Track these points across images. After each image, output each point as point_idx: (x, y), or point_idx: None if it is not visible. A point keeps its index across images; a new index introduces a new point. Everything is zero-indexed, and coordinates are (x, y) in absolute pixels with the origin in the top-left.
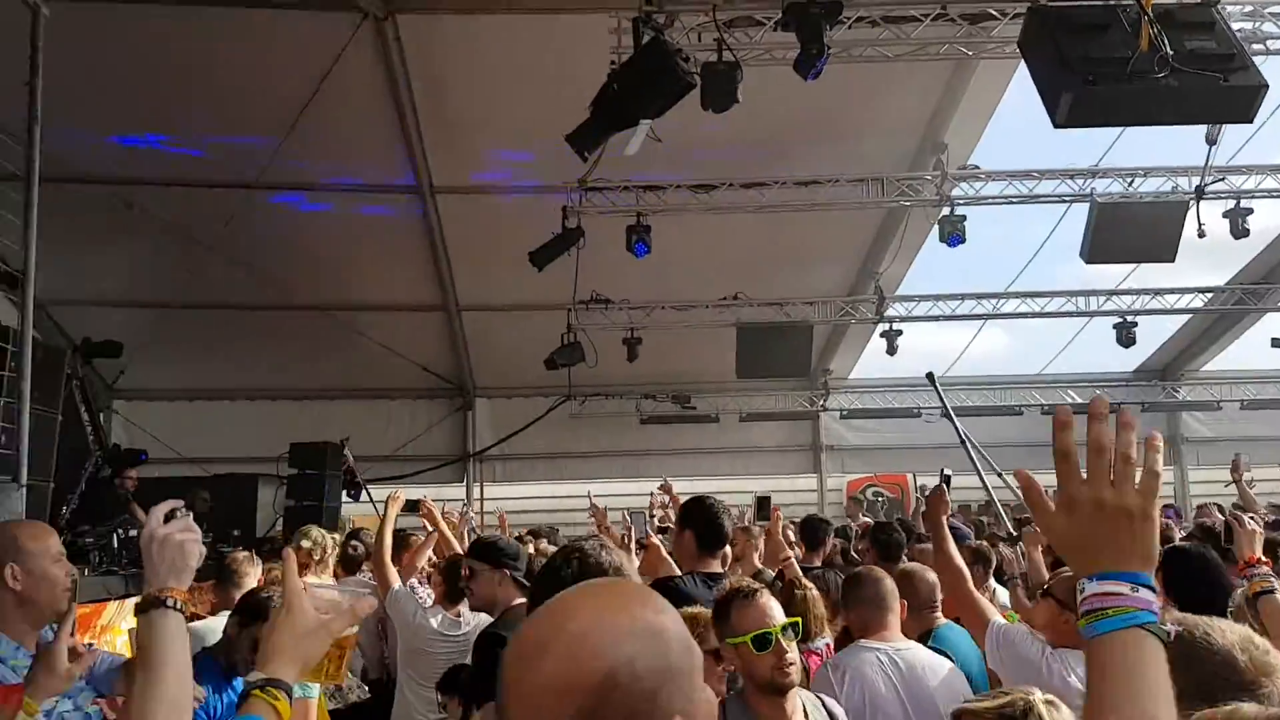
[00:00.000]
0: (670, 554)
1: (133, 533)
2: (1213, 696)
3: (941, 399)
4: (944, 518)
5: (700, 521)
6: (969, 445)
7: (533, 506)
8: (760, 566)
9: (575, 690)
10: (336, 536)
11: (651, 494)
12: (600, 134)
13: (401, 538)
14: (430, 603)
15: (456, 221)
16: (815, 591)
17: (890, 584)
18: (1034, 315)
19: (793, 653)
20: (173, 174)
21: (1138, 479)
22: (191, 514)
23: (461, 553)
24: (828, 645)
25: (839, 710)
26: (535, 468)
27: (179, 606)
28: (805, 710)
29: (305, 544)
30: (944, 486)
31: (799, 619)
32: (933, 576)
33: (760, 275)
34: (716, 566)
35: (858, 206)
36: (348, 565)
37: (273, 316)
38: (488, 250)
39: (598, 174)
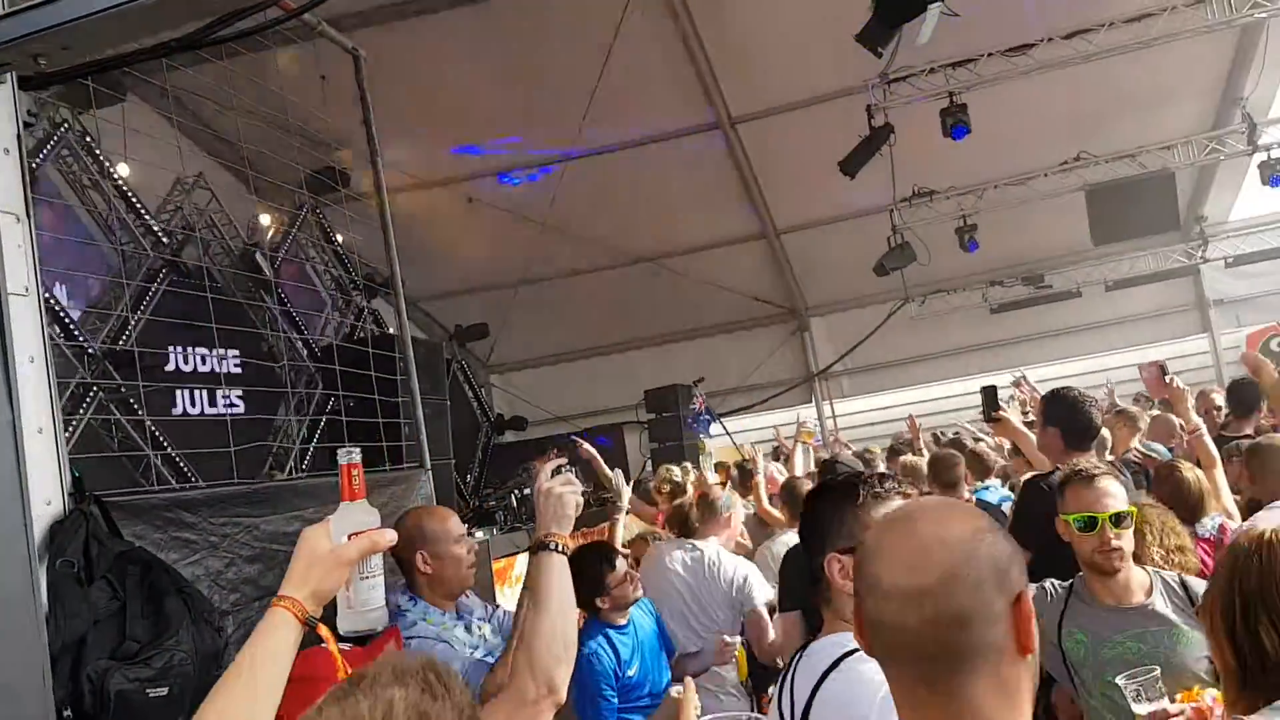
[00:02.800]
0: None
1: (527, 491)
2: None
3: None
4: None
5: (1064, 416)
6: None
7: (887, 417)
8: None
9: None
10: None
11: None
12: (889, 27)
13: (746, 471)
14: None
15: (761, 147)
16: (1196, 474)
17: None
18: None
19: (1120, 541)
20: (497, 165)
21: None
22: (574, 470)
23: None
24: (1222, 525)
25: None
26: (883, 377)
27: (561, 549)
28: (1158, 589)
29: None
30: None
31: (1134, 510)
32: None
33: (1102, 130)
34: (1090, 460)
35: (1204, 31)
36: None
37: (610, 275)
38: (797, 169)
39: (897, 64)
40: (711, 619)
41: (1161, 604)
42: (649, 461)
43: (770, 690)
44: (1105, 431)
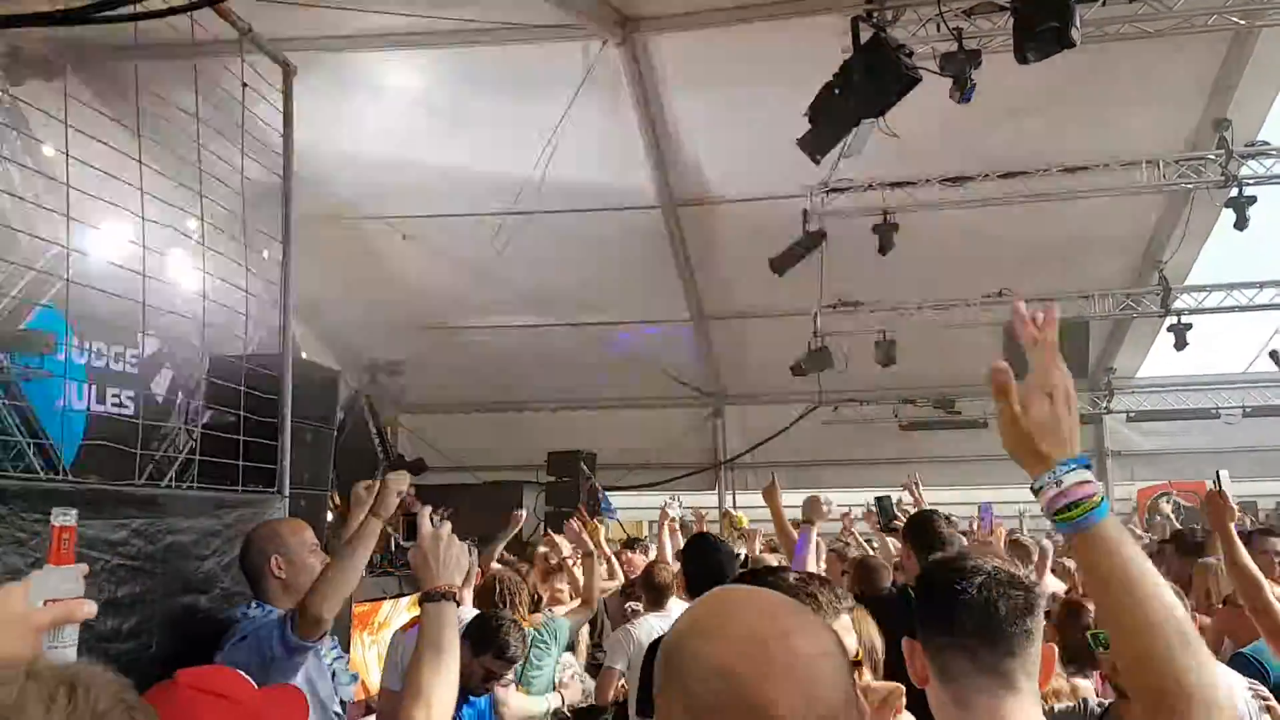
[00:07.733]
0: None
1: (406, 543)
2: None
3: None
4: (1230, 523)
5: (922, 536)
6: None
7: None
8: None
9: None
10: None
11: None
12: (827, 137)
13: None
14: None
15: (699, 232)
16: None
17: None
18: None
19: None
20: (442, 207)
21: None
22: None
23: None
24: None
25: None
26: (788, 476)
27: (458, 600)
28: None
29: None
30: (1222, 489)
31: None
32: None
33: (1027, 270)
34: None
35: (1133, 192)
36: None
37: (533, 332)
38: (733, 259)
39: (843, 174)
40: None
41: None
42: (542, 524)
43: None
44: None
